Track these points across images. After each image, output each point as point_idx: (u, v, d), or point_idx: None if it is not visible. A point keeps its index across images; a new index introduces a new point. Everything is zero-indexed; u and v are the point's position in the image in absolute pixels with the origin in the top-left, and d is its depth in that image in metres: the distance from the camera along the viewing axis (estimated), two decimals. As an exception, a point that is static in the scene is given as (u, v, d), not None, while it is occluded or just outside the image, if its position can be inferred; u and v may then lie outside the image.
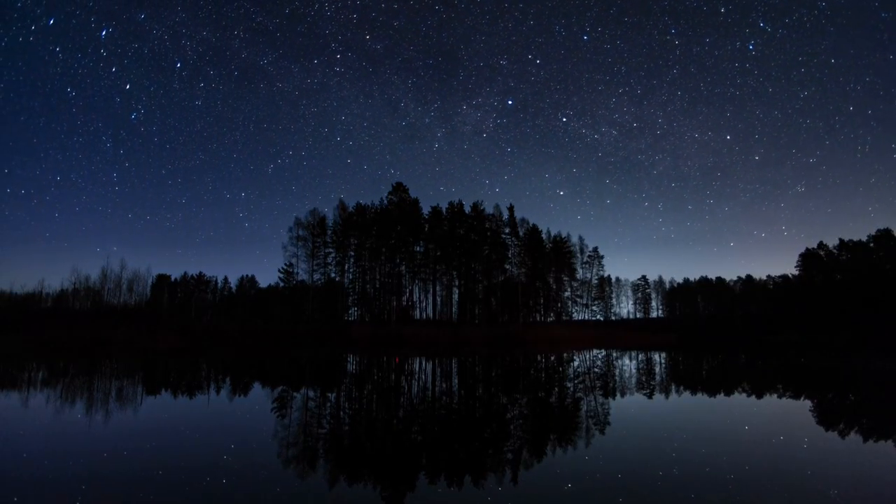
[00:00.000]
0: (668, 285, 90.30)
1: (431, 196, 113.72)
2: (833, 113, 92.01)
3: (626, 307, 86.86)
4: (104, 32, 75.40)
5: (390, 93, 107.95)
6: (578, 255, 72.33)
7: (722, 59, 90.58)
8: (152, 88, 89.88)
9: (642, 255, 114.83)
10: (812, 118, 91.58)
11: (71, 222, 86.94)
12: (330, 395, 10.97)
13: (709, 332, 56.84)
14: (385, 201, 61.22)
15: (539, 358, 23.62)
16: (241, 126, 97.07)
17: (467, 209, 62.39)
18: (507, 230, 64.69)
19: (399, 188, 61.51)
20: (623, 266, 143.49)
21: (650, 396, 10.46)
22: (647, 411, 8.88)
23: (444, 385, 13.40)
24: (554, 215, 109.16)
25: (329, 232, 59.49)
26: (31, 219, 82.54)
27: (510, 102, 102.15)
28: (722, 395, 10.96)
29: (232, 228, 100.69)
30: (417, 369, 17.95)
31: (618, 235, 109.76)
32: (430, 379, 14.96)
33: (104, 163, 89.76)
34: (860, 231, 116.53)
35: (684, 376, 15.71)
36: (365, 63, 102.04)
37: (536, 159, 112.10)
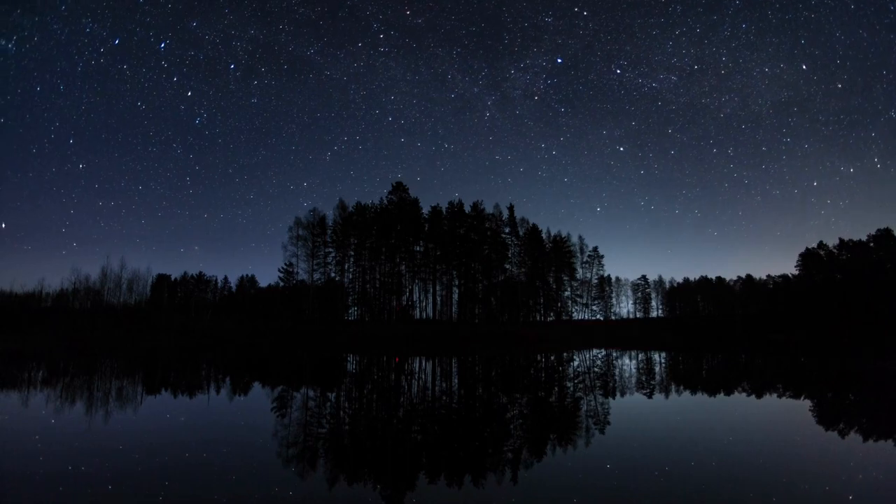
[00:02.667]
0: (667, 285, 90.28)
1: (487, 167, 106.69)
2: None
3: (626, 307, 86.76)
4: (163, 45, 79.73)
5: (436, 66, 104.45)
6: (578, 254, 72.32)
7: (791, -20, 78.98)
8: (211, 92, 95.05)
9: (710, 203, 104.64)
10: (904, 31, 78.26)
11: (155, 227, 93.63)
12: (330, 394, 10.97)
13: (709, 332, 56.86)
14: (385, 200, 61.26)
15: (539, 357, 23.63)
16: (296, 118, 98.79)
17: (467, 209, 62.39)
18: (507, 230, 64.71)
19: (399, 188, 61.50)
20: (623, 265, 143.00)
21: (650, 396, 10.46)
22: (647, 411, 8.89)
23: (443, 385, 13.40)
24: (616, 172, 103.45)
25: (329, 231, 59.49)
26: (121, 227, 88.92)
27: (559, 61, 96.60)
28: (722, 394, 10.96)
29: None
30: (417, 369, 17.95)
31: (686, 187, 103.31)
32: (429, 378, 14.96)
33: (177, 168, 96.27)
34: (860, 231, 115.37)
35: (684, 376, 15.72)
36: (408, 39, 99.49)
37: (592, 117, 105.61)
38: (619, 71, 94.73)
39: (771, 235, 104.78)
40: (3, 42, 63.90)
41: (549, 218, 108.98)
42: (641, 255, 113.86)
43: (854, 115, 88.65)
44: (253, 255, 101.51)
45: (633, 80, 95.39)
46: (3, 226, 75.04)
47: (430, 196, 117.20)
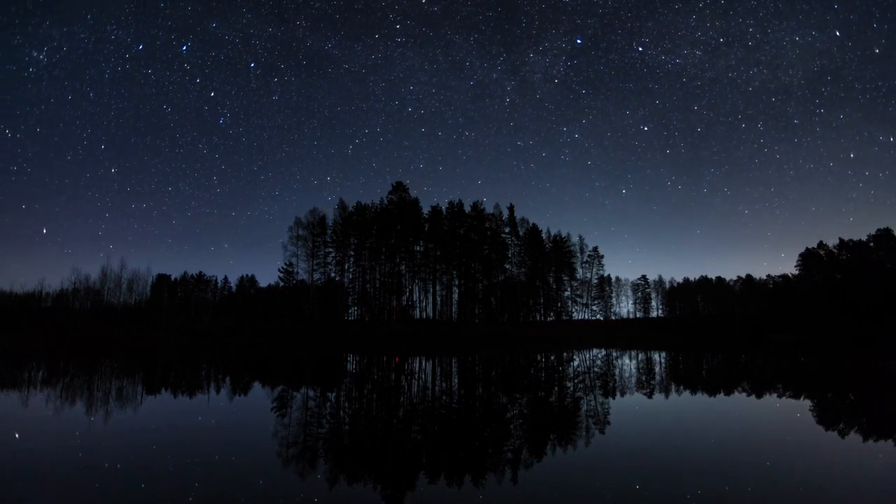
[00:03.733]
0: (667, 285, 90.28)
1: (509, 153, 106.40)
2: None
3: (626, 307, 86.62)
4: (184, 47, 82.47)
5: (454, 53, 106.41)
6: (578, 254, 72.33)
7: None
8: (233, 92, 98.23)
9: (740, 180, 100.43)
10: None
11: (186, 226, 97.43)
12: (330, 394, 10.97)
13: (709, 332, 56.84)
14: (385, 200, 61.23)
15: (539, 357, 23.63)
16: (316, 113, 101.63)
17: (467, 209, 62.37)
18: (507, 230, 64.74)
19: (399, 188, 61.50)
20: (623, 265, 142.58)
21: (650, 396, 10.46)
22: (647, 411, 8.89)
23: (443, 385, 13.40)
24: (640, 153, 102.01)
25: (329, 231, 59.48)
26: (153, 228, 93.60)
27: (579, 42, 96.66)
28: (722, 394, 10.96)
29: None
30: (417, 369, 17.95)
31: (714, 165, 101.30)
32: (429, 378, 14.96)
33: (204, 168, 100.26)
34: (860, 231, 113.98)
35: (684, 376, 15.71)
36: (425, 28, 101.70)
37: (615, 97, 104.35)
38: (640, 49, 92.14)
39: (797, 221, 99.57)
40: (35, 54, 67.26)
41: (576, 201, 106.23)
42: (651, 248, 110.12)
43: (893, 81, 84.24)
44: (281, 251, 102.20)
45: (656, 58, 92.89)
46: (45, 231, 79.60)
47: (452, 185, 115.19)
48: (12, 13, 67.28)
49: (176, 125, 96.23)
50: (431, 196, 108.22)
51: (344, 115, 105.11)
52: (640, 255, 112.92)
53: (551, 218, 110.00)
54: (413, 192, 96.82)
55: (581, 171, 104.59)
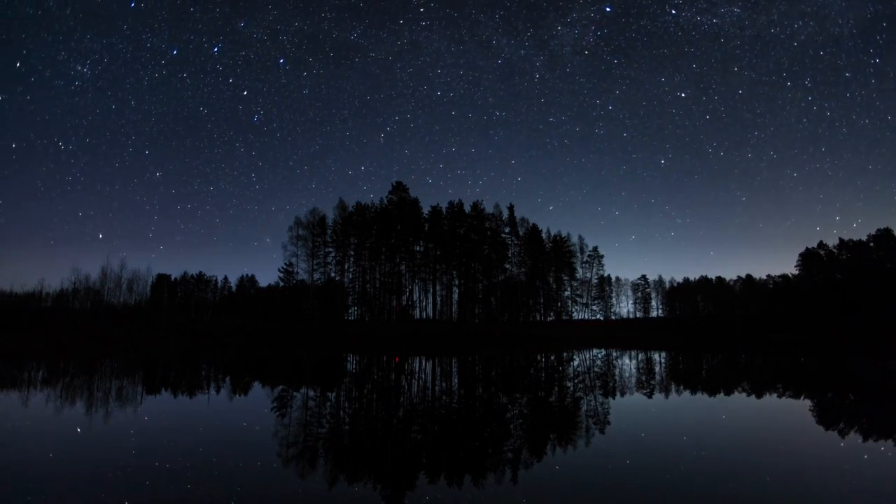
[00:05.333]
0: (667, 285, 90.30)
1: (541, 130, 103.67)
2: None
3: (625, 307, 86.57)
4: (216, 49, 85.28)
5: (480, 33, 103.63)
6: (578, 254, 72.34)
7: None
8: (264, 89, 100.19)
9: (787, 142, 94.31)
10: None
11: (229, 225, 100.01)
12: (330, 394, 10.97)
13: (709, 332, 56.84)
14: (385, 200, 61.24)
15: (539, 357, 23.63)
16: (346, 104, 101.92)
17: (467, 208, 62.38)
18: (506, 230, 64.75)
19: (399, 187, 61.52)
20: (623, 265, 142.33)
21: (650, 396, 10.46)
22: (646, 411, 8.89)
23: (443, 384, 13.40)
24: (678, 120, 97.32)
25: (329, 231, 59.47)
26: (199, 227, 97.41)
27: (608, 9, 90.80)
28: (722, 394, 10.96)
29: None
30: (417, 369, 17.95)
31: (758, 128, 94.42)
32: (429, 378, 14.96)
33: (242, 166, 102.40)
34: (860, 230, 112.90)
35: (684, 376, 15.72)
36: (448, 9, 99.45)
37: (649, 65, 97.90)
38: (674, 11, 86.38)
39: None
40: (79, 67, 71.63)
41: (612, 175, 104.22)
42: (689, 221, 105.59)
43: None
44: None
45: (691, 19, 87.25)
46: (101, 236, 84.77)
47: (484, 166, 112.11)
48: (56, 30, 71.20)
49: (213, 126, 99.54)
50: (465, 179, 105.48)
51: (374, 104, 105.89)
52: (681, 229, 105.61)
53: (588, 195, 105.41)
54: (449, 175, 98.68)
55: (617, 143, 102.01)
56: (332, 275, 59.81)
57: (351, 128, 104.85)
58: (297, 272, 58.96)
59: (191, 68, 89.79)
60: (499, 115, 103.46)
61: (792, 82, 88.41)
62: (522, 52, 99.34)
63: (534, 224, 66.47)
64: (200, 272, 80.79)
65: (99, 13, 75.19)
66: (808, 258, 70.29)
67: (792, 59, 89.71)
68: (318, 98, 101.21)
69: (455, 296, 61.62)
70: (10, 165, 79.59)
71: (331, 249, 59.56)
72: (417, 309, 61.60)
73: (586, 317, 72.83)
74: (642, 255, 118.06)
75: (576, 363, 20.34)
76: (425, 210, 62.15)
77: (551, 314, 68.75)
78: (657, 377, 14.91)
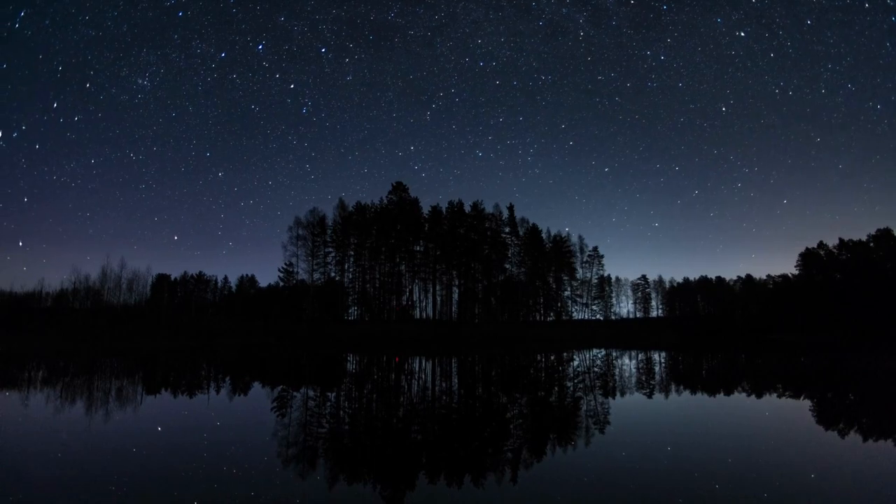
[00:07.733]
0: (667, 285, 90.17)
1: (590, 90, 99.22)
2: None
3: (626, 307, 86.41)
4: (260, 46, 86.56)
5: None
6: (578, 254, 72.28)
7: None
8: (310, 80, 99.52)
9: (869, 72, 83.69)
10: None
11: (290, 219, 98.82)
12: (330, 394, 10.97)
13: (709, 332, 56.83)
14: (385, 200, 61.25)
15: (539, 357, 23.62)
16: (391, 85, 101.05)
17: (467, 208, 62.38)
18: (506, 230, 64.72)
19: (399, 187, 61.51)
20: (623, 265, 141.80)
21: (650, 396, 10.46)
22: (646, 411, 8.88)
23: (443, 384, 13.40)
24: (739, 63, 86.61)
25: (329, 231, 59.47)
26: (263, 223, 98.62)
27: None
28: (722, 394, 10.96)
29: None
30: (417, 369, 17.95)
31: (832, 60, 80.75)
32: (429, 378, 14.96)
33: (297, 159, 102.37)
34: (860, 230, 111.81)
35: (684, 376, 15.72)
36: None
37: (701, 6, 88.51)
38: None
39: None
40: (140, 81, 76.44)
41: (670, 130, 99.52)
42: (749, 171, 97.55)
43: None
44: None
45: None
46: (176, 238, 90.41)
47: (536, 131, 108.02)
48: (116, 48, 75.65)
49: (266, 122, 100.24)
50: (516, 148, 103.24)
51: (417, 83, 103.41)
52: (747, 177, 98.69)
53: (646, 150, 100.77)
54: (502, 145, 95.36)
55: (672, 94, 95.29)
56: (332, 275, 59.80)
57: (397, 108, 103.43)
58: (297, 272, 58.94)
59: (239, 68, 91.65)
60: (545, 80, 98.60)
61: (870, 4, 74.34)
62: (564, 10, 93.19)
63: (534, 224, 66.51)
64: (200, 272, 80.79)
65: (152, 26, 78.84)
66: (808, 258, 70.25)
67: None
68: (362, 82, 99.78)
69: (455, 296, 61.58)
70: (93, 180, 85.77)
71: (331, 249, 59.54)
72: (417, 309, 61.58)
73: (586, 317, 72.73)
74: (642, 254, 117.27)
75: (576, 363, 20.33)
76: (425, 210, 62.21)
77: (551, 314, 68.69)
78: (657, 377, 14.91)
